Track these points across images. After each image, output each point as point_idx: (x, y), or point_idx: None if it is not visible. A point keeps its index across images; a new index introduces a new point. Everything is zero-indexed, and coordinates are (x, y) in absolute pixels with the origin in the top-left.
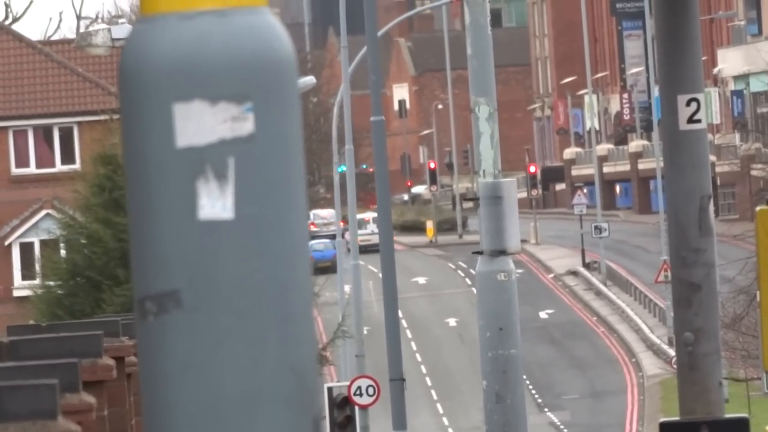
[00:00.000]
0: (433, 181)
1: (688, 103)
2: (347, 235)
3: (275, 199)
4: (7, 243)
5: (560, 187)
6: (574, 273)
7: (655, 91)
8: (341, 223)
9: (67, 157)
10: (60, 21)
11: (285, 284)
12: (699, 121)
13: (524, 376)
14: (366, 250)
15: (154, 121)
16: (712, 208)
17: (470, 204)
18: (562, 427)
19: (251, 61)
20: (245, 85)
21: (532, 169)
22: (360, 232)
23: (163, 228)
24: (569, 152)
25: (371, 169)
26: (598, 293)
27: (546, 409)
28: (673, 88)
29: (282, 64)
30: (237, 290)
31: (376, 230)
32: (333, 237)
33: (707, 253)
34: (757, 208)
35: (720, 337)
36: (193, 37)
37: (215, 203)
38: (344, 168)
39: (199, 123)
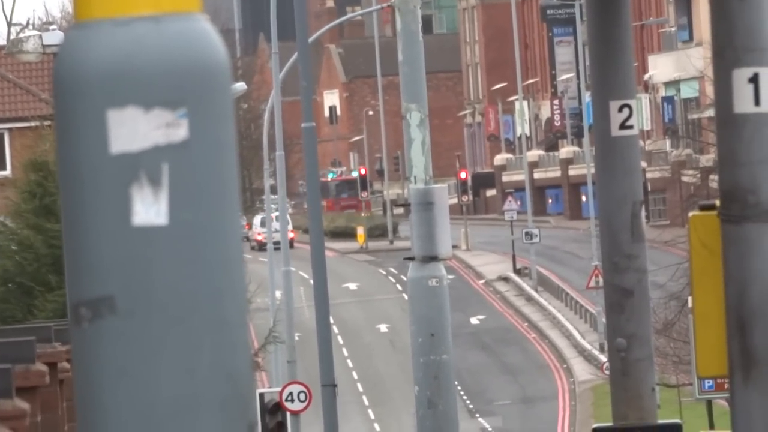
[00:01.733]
0: (364, 187)
1: (620, 109)
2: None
3: (209, 205)
4: None
5: (491, 193)
6: (505, 279)
7: (586, 97)
8: (245, 227)
9: None
10: None
11: (219, 290)
12: (631, 127)
13: (456, 382)
14: (262, 248)
15: (89, 127)
16: (643, 213)
17: (401, 210)
18: None
19: (185, 67)
20: (179, 91)
21: (463, 175)
22: (261, 229)
23: (98, 234)
24: (500, 158)
25: (356, 175)
26: (529, 299)
27: (477, 415)
28: (605, 94)
29: (216, 70)
30: (172, 296)
31: (278, 228)
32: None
33: (639, 259)
34: (690, 214)
35: (652, 342)
36: (128, 44)
37: (149, 209)
38: (333, 175)
39: (133, 129)
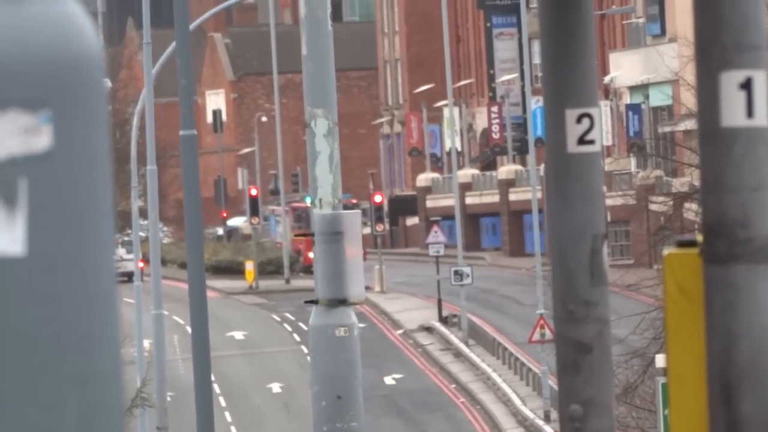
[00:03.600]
0: (255, 212)
1: (579, 120)
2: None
3: (77, 230)
4: None
5: (412, 221)
6: (429, 329)
7: (532, 104)
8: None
9: None
10: None
11: (88, 336)
12: (592, 142)
13: None
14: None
15: None
16: (606, 250)
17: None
18: None
19: (49, 59)
20: (41, 89)
21: (378, 198)
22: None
23: None
24: (424, 178)
25: (353, 200)
26: (458, 355)
27: None
28: (559, 101)
29: (87, 63)
30: (29, 343)
31: (126, 256)
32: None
33: (600, 307)
34: (665, 252)
35: (614, 411)
36: None
37: (2, 235)
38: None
39: None
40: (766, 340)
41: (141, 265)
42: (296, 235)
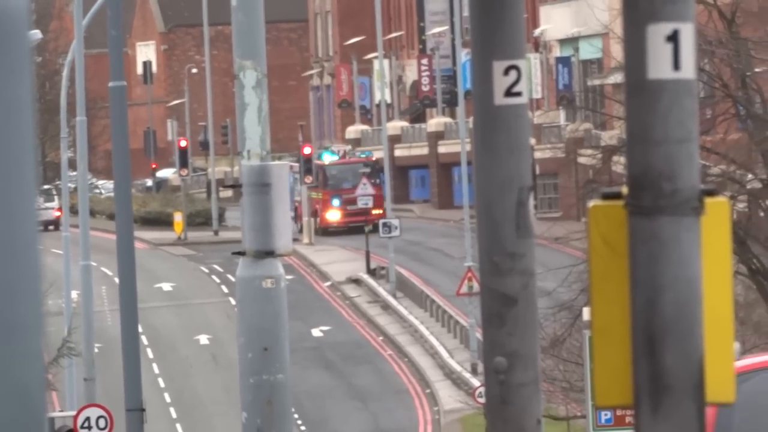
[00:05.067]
0: (184, 163)
1: (506, 72)
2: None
3: None
4: None
5: None
6: (356, 281)
7: (462, 57)
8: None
9: None
10: None
11: (10, 287)
12: (519, 94)
13: (293, 409)
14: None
15: None
16: (532, 202)
17: (230, 192)
18: None
19: None
20: None
21: (307, 150)
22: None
23: None
24: (353, 130)
25: (374, 158)
26: (386, 307)
27: None
28: (487, 53)
29: (10, 12)
30: None
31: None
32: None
33: (525, 259)
34: (589, 204)
35: (539, 364)
36: None
37: None
38: (330, 154)
39: None
40: (690, 292)
41: (57, 213)
42: (224, 186)
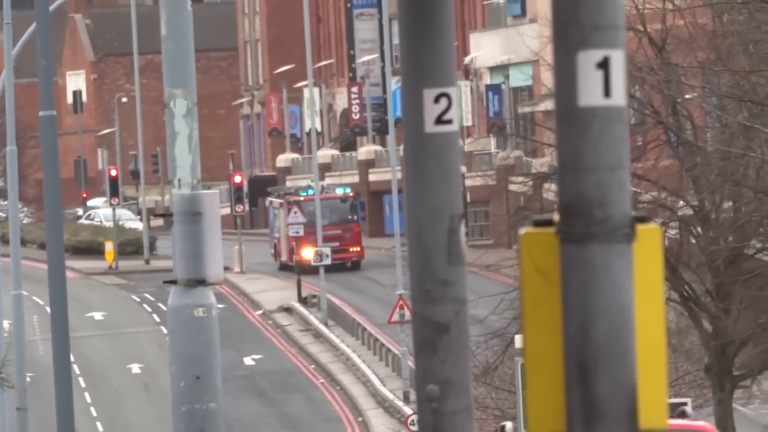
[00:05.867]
0: (115, 192)
1: (437, 99)
2: None
3: None
4: None
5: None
6: (288, 309)
7: (392, 84)
8: None
9: None
10: None
11: None
12: (450, 121)
13: None
14: None
15: None
16: (463, 230)
17: (161, 221)
18: None
19: None
20: None
21: (238, 179)
22: None
23: None
24: (284, 159)
25: (352, 193)
26: (318, 335)
27: None
28: (417, 81)
29: None
30: None
31: None
32: None
33: (457, 286)
34: (521, 231)
35: (472, 391)
36: None
37: None
38: (310, 192)
39: None
40: (622, 319)
41: None
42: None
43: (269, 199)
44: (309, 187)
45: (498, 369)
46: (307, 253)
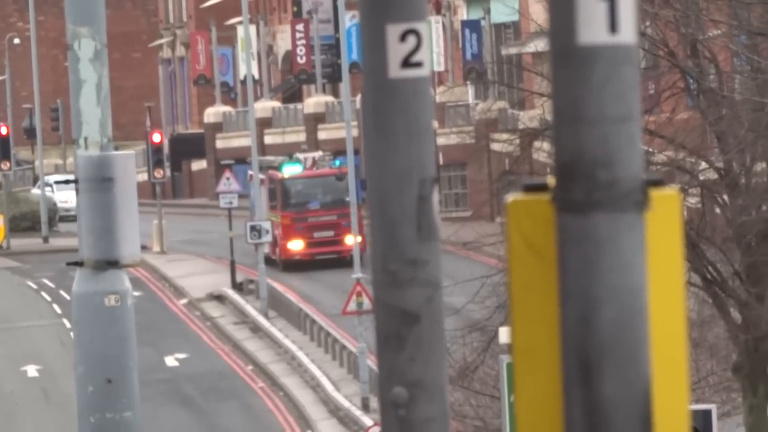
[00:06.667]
0: (6, 155)
1: (403, 37)
2: None
3: None
4: None
5: (199, 165)
6: (219, 298)
7: (347, 21)
8: None
9: None
10: None
11: None
12: (419, 64)
13: None
14: None
15: None
16: (437, 198)
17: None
18: None
19: None
20: None
21: (157, 138)
22: None
23: None
24: (213, 113)
25: (344, 168)
26: (256, 329)
27: None
28: (379, 15)
29: None
30: None
31: None
32: None
33: (430, 267)
34: (508, 199)
35: (447, 395)
36: None
37: None
38: (292, 164)
39: None
40: (633, 306)
41: None
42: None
43: (261, 177)
44: (293, 158)
45: (478, 370)
46: (295, 246)
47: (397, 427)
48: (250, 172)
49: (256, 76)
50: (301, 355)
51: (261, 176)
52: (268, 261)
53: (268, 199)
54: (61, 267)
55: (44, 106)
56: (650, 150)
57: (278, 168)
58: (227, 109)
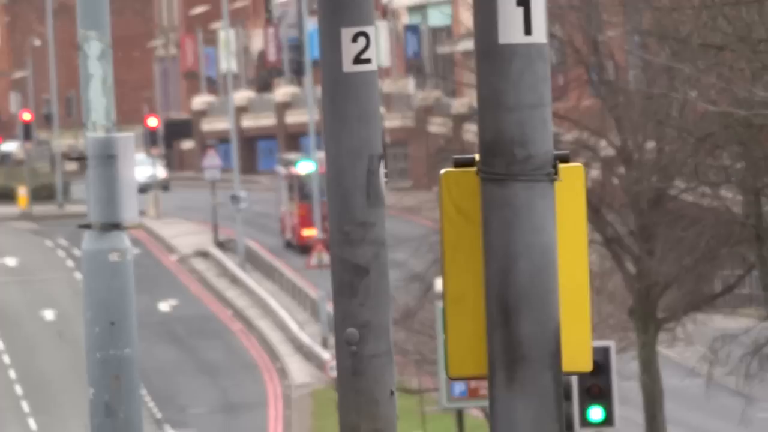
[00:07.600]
0: (28, 136)
1: (355, 38)
2: None
3: None
4: None
5: (188, 145)
6: (204, 254)
7: (309, 25)
8: None
9: None
10: None
11: None
12: (368, 60)
13: (141, 384)
14: None
15: None
16: (383, 171)
17: (75, 165)
18: None
19: None
20: None
21: (153, 122)
22: None
23: None
24: (199, 101)
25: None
26: (234, 280)
27: (167, 426)
28: (335, 19)
29: None
30: None
31: None
32: None
33: (376, 228)
34: (442, 171)
35: (392, 335)
36: None
37: None
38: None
39: None
40: (544, 260)
41: None
42: (71, 159)
43: (277, 167)
44: (304, 157)
45: (418, 314)
46: (310, 232)
47: (350, 360)
48: (278, 167)
49: (235, 71)
50: (271, 302)
51: (284, 171)
52: (288, 245)
53: (287, 191)
54: (73, 229)
55: (60, 96)
56: (559, 132)
57: (294, 164)
58: (211, 98)
